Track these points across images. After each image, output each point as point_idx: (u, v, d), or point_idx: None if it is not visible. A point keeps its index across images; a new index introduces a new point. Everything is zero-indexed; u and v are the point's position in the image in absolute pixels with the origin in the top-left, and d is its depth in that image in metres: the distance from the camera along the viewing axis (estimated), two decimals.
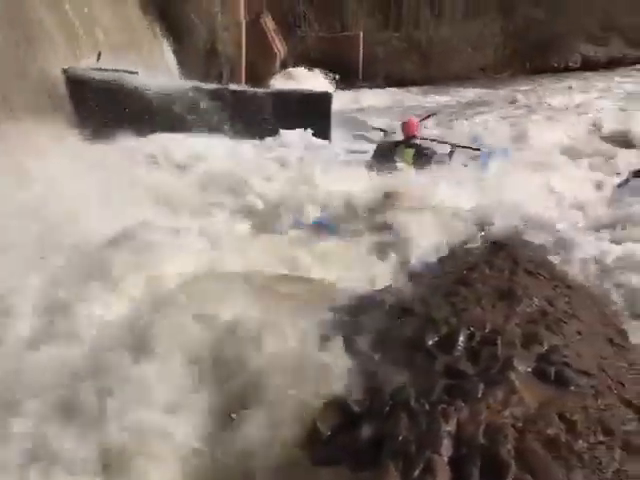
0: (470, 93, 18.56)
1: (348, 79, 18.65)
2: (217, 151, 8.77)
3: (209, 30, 14.72)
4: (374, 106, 16.28)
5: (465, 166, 8.20)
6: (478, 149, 8.15)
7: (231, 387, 3.25)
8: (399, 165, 7.90)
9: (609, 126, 11.80)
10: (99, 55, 9.57)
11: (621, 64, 23.62)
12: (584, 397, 2.72)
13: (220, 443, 2.98)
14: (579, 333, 3.49)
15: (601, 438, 2.49)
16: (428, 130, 10.99)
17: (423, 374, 3.03)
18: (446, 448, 2.41)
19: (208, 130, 9.57)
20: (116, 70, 9.26)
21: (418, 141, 8.41)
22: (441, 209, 6.29)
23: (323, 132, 10.25)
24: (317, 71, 18.40)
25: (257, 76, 16.08)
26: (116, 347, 3.48)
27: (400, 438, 2.50)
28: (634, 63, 23.72)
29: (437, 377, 2.95)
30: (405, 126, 8.53)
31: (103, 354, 3.43)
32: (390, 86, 19.13)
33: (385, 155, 8.30)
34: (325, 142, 10.09)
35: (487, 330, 3.36)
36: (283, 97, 10.72)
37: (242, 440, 2.90)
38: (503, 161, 8.33)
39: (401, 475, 2.36)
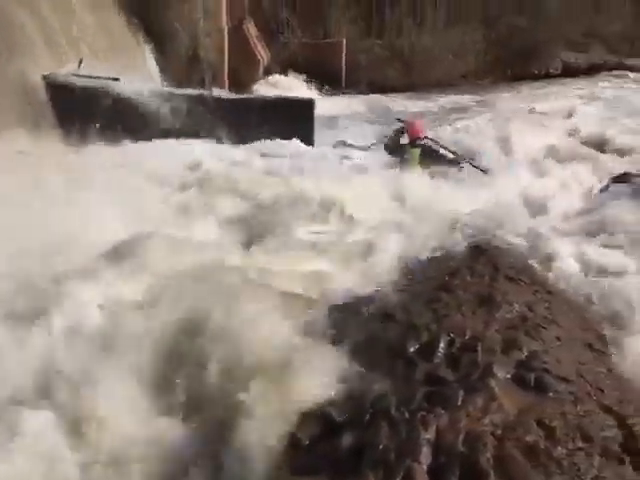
0: (452, 99, 18.66)
1: (331, 86, 18.68)
2: (201, 157, 8.71)
3: (191, 36, 14.71)
4: (358, 112, 16.30)
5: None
6: (485, 171, 8.19)
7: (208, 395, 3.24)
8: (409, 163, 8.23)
9: (590, 131, 11.87)
10: (80, 62, 9.53)
11: (601, 70, 23.83)
12: (563, 403, 2.73)
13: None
14: (558, 339, 3.50)
15: (580, 444, 2.50)
16: None
17: (404, 381, 3.03)
18: (425, 456, 2.41)
19: (191, 136, 9.55)
20: (97, 77, 9.22)
21: (423, 142, 8.48)
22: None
23: (306, 138, 10.26)
24: (300, 77, 18.41)
25: (240, 82, 16.07)
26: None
27: (380, 447, 2.50)
28: (614, 69, 23.93)
29: (417, 384, 2.95)
30: (410, 128, 8.58)
31: None
32: (373, 93, 19.16)
33: (394, 152, 8.46)
34: (309, 148, 10.08)
35: (467, 336, 3.37)
36: (266, 103, 10.72)
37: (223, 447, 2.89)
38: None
39: None
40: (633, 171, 8.57)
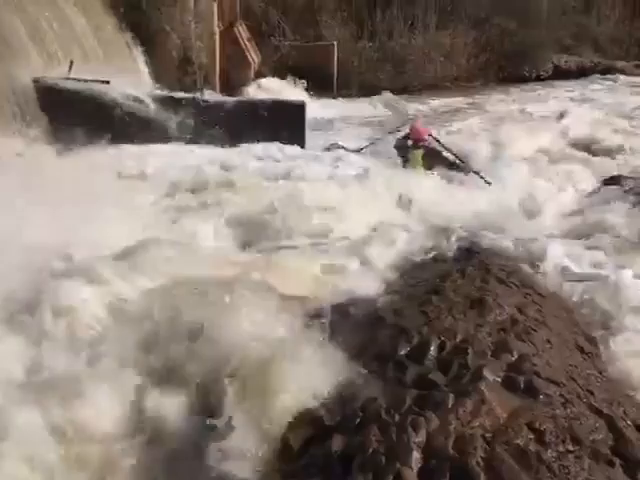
0: (444, 102, 18.65)
1: (323, 88, 18.64)
2: (193, 160, 8.69)
3: (182, 39, 14.65)
4: (349, 114, 16.29)
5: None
6: (489, 183, 8.23)
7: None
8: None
9: (581, 133, 11.89)
10: (71, 64, 9.48)
11: (592, 72, 23.90)
12: (553, 406, 2.73)
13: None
14: (549, 341, 3.51)
15: (570, 447, 2.50)
16: None
17: (394, 385, 3.03)
18: (415, 460, 2.41)
19: (182, 139, 9.53)
20: (87, 80, 9.18)
21: (427, 143, 8.54)
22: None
23: (298, 140, 10.27)
24: (291, 80, 18.38)
25: (231, 85, 16.03)
26: None
27: (370, 450, 2.49)
28: (605, 71, 24.02)
29: (408, 388, 2.95)
30: (413, 131, 8.64)
31: None
32: (364, 95, 19.14)
33: (402, 152, 8.58)
34: (300, 150, 10.07)
35: (458, 340, 3.38)
36: (257, 106, 10.70)
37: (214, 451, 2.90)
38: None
39: None
40: (624, 173, 8.62)
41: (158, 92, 10.75)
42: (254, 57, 18.35)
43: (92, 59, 10.81)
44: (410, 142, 8.58)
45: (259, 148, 9.66)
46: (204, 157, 8.89)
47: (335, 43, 20.43)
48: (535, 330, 3.61)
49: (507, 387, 2.87)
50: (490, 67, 22.82)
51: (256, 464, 2.79)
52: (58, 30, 10.37)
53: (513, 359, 3.14)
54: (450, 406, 2.65)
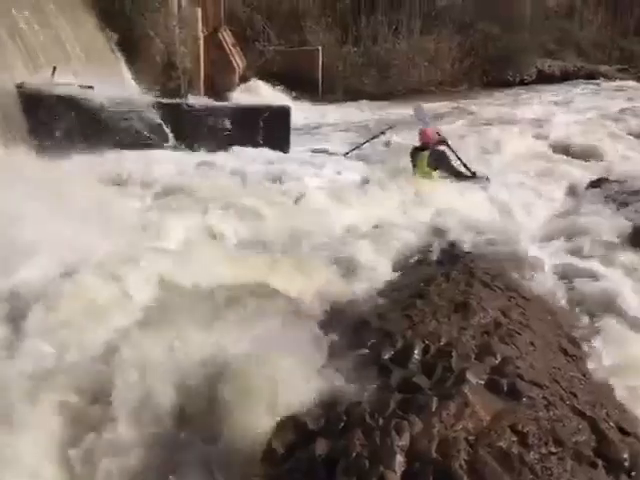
0: (429, 107, 18.70)
1: (307, 93, 18.71)
2: (177, 165, 8.67)
3: (166, 44, 14.64)
4: (333, 120, 16.32)
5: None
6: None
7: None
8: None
9: (564, 137, 11.98)
10: (54, 69, 9.43)
11: (575, 77, 24.09)
12: (536, 408, 2.74)
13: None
14: (532, 344, 3.52)
15: (552, 449, 2.51)
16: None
17: (379, 388, 3.03)
18: (399, 463, 2.41)
19: (166, 145, 9.52)
20: (71, 85, 9.14)
21: (435, 147, 8.60)
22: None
23: (282, 145, 10.29)
24: (276, 85, 18.41)
25: (216, 90, 16.05)
26: None
27: (354, 454, 2.49)
28: (588, 76, 24.22)
29: (392, 391, 2.95)
30: (422, 134, 8.68)
31: None
32: (349, 100, 19.22)
33: (414, 158, 8.66)
34: (285, 155, 10.09)
35: (442, 343, 3.38)
36: (242, 110, 10.72)
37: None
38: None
39: None
40: (608, 176, 8.68)
41: (142, 97, 10.73)
42: (239, 62, 18.36)
43: (75, 64, 10.75)
44: (419, 144, 8.68)
45: (242, 152, 9.66)
46: (186, 162, 8.88)
47: (320, 48, 20.51)
48: (519, 333, 3.62)
49: (490, 390, 2.88)
50: (474, 72, 22.96)
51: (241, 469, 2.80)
52: (42, 35, 10.32)
53: (496, 362, 3.15)
54: (434, 409, 2.65)
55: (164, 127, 9.58)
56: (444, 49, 22.30)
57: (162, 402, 3.23)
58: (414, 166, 8.56)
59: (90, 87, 9.20)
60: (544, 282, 5.07)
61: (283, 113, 10.69)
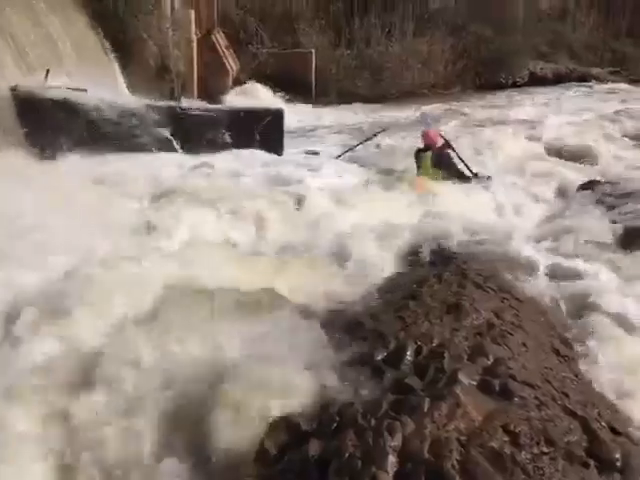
0: (423, 109, 18.73)
1: (301, 95, 18.70)
2: (171, 168, 8.66)
3: (160, 47, 14.62)
4: (327, 123, 16.33)
5: None
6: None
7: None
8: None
9: (557, 139, 12.04)
10: (47, 72, 9.41)
11: (568, 79, 24.18)
12: (528, 409, 2.75)
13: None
14: (525, 345, 3.53)
15: (544, 449, 2.52)
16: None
17: (371, 390, 3.04)
18: (391, 464, 2.42)
19: (160, 148, 9.49)
20: (64, 88, 9.12)
21: (436, 147, 8.72)
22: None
23: (276, 148, 10.29)
24: (270, 87, 18.40)
25: (209, 93, 15.99)
26: None
27: (346, 455, 2.50)
28: (580, 78, 24.32)
29: (385, 392, 2.96)
30: (425, 135, 8.76)
31: None
32: (342, 103, 19.23)
33: (418, 160, 8.79)
34: (279, 157, 10.09)
35: (434, 344, 3.39)
36: (235, 113, 10.70)
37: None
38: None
39: None
40: (599, 178, 8.72)
41: (136, 100, 10.70)
42: (232, 65, 18.35)
43: (69, 67, 10.73)
44: (422, 146, 8.73)
45: (236, 155, 9.66)
46: (180, 165, 8.88)
47: (313, 51, 20.51)
48: (511, 334, 3.64)
49: (482, 390, 2.89)
50: (467, 74, 23.00)
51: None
52: (35, 38, 10.30)
53: (489, 363, 3.16)
54: (426, 410, 2.66)
55: (159, 130, 9.56)
56: (437, 51, 22.33)
57: (153, 399, 3.25)
58: (418, 167, 8.61)
59: (84, 90, 9.18)
60: (537, 283, 5.09)
61: (277, 116, 10.69)
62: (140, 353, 3.53)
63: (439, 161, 8.46)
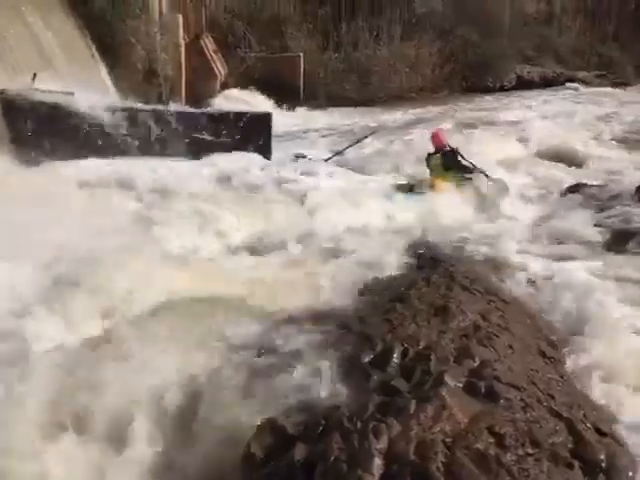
0: (410, 112, 18.80)
1: (289, 99, 18.73)
2: (160, 172, 8.64)
3: (148, 51, 14.63)
4: (315, 126, 16.35)
5: None
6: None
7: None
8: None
9: (543, 142, 12.10)
10: (34, 76, 9.38)
11: (554, 83, 24.33)
12: (513, 410, 2.76)
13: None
14: (511, 347, 3.54)
15: (529, 450, 2.53)
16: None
17: (358, 392, 3.03)
18: (377, 466, 2.41)
19: (147, 152, 9.48)
20: (51, 91, 9.09)
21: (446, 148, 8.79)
22: None
23: (264, 151, 10.30)
24: (258, 91, 18.41)
25: (197, 96, 16.02)
26: None
27: (332, 458, 2.49)
28: (566, 81, 24.47)
29: (371, 394, 2.96)
30: (434, 138, 8.88)
31: None
32: (330, 106, 19.28)
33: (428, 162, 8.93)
34: (267, 161, 10.09)
35: (421, 346, 3.39)
36: (223, 117, 10.70)
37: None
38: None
39: None
40: (585, 181, 8.76)
41: (123, 104, 10.68)
42: (220, 69, 18.36)
43: (56, 70, 10.71)
44: (432, 149, 8.81)
45: (224, 159, 9.64)
46: (168, 168, 8.85)
47: (301, 54, 20.56)
48: (497, 336, 3.64)
49: (468, 392, 2.89)
50: (454, 77, 23.12)
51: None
52: (22, 42, 10.27)
53: (475, 365, 3.16)
54: (412, 412, 2.66)
55: (145, 134, 9.55)
56: (424, 55, 22.44)
57: (140, 404, 3.25)
58: (431, 170, 8.70)
59: (71, 93, 9.16)
60: (524, 285, 5.11)
61: (265, 119, 10.70)
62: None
63: (448, 159, 8.55)
